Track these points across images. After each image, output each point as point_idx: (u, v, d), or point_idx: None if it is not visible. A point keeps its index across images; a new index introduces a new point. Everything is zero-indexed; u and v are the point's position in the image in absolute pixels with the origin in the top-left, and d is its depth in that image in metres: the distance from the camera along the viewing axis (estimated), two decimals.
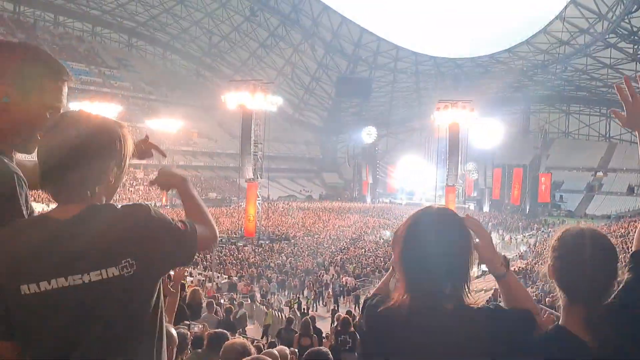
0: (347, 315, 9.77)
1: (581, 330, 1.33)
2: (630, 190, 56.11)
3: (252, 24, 73.68)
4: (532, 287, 19.47)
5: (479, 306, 1.41)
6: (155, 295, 1.34)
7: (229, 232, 33.42)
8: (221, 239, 30.50)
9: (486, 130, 56.83)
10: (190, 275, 21.55)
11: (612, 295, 1.38)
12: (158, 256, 1.31)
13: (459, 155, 37.47)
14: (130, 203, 1.35)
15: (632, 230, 30.42)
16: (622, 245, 22.83)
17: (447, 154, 37.98)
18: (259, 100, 32.11)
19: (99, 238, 1.25)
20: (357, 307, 18.24)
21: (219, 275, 22.76)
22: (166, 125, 51.10)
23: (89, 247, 1.24)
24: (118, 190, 1.42)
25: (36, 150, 1.33)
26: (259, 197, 33.04)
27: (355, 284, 22.15)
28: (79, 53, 67.02)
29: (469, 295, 1.40)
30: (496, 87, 73.17)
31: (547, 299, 15.03)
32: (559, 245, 1.39)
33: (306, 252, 28.01)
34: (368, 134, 71.58)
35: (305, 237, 32.71)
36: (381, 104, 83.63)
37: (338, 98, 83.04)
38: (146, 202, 1.38)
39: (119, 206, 1.32)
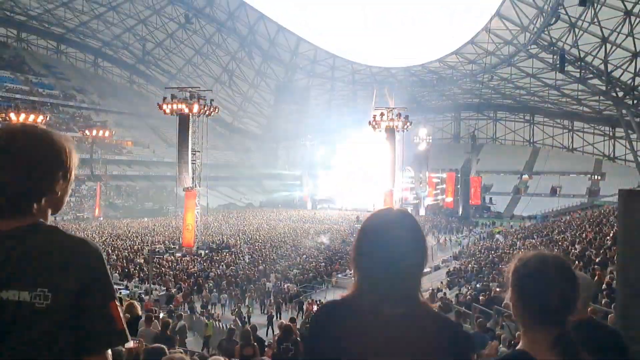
0: (289, 323, 9.81)
1: (546, 353, 1.34)
2: (553, 192, 59.88)
3: (188, 31, 72.34)
4: (465, 286, 20.38)
5: (435, 313, 1.41)
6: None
7: (167, 242, 32.51)
8: (159, 250, 29.60)
9: (420, 136, 58.77)
10: (127, 288, 20.80)
11: None
12: (74, 304, 1.20)
13: (395, 161, 38.59)
14: (83, 237, 1.28)
15: (555, 228, 32.48)
16: (547, 244, 24.36)
17: (384, 160, 39.00)
18: (196, 108, 31.59)
19: (24, 257, 1.21)
20: (300, 314, 18.29)
21: (157, 287, 22.08)
22: (98, 134, 49.11)
23: (13, 264, 1.20)
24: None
25: None
26: (197, 206, 32.39)
27: (298, 291, 22.21)
28: (4, 60, 63.08)
29: (420, 296, 1.42)
30: (429, 95, 76.14)
31: (480, 297, 15.80)
32: (522, 267, 1.41)
33: (247, 260, 27.76)
34: (307, 142, 72.06)
35: (245, 246, 32.38)
36: (320, 112, 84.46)
37: (277, 106, 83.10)
38: (98, 246, 1.29)
39: (70, 234, 1.27)
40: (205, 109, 32.22)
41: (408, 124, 39.49)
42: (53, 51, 76.18)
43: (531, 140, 73.12)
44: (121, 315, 1.28)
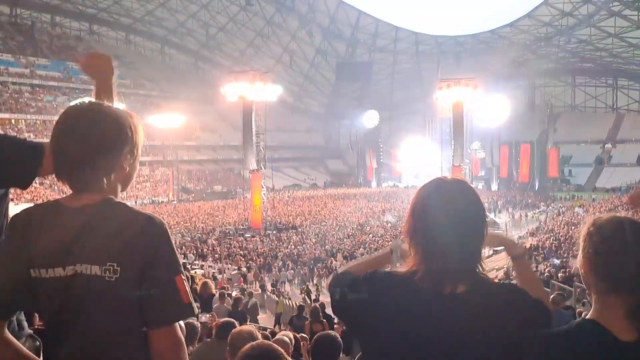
0: None
1: (621, 322, 1.22)
2: None
3: (248, 14, 73.06)
4: (544, 264, 19.28)
5: (498, 283, 1.33)
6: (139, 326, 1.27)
7: (236, 223, 33.35)
8: (229, 231, 30.43)
9: (491, 107, 56.15)
10: (201, 267, 21.58)
11: None
12: (141, 278, 1.24)
13: (464, 135, 37.00)
14: (149, 213, 1.30)
15: None
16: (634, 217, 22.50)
17: (451, 134, 37.55)
18: (258, 91, 31.80)
19: (95, 232, 1.26)
20: None
21: (229, 266, 22.74)
22: (168, 121, 50.88)
23: (85, 239, 1.25)
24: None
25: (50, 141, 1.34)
26: (263, 187, 32.85)
27: None
28: (78, 52, 66.65)
29: (482, 271, 1.32)
30: (499, 63, 72.24)
31: (559, 275, 14.84)
32: (595, 232, 1.27)
33: (313, 240, 27.92)
34: (370, 119, 71.11)
35: (311, 225, 32.57)
36: (382, 87, 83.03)
37: (338, 83, 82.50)
38: (163, 221, 1.30)
39: (137, 210, 1.31)
40: (267, 91, 32.35)
41: (477, 94, 37.65)
42: (122, 41, 79.62)
43: (614, 106, 67.86)
44: (187, 289, 1.28)
